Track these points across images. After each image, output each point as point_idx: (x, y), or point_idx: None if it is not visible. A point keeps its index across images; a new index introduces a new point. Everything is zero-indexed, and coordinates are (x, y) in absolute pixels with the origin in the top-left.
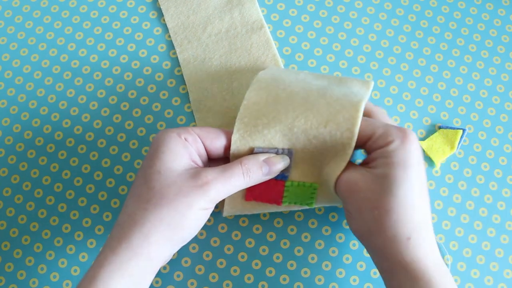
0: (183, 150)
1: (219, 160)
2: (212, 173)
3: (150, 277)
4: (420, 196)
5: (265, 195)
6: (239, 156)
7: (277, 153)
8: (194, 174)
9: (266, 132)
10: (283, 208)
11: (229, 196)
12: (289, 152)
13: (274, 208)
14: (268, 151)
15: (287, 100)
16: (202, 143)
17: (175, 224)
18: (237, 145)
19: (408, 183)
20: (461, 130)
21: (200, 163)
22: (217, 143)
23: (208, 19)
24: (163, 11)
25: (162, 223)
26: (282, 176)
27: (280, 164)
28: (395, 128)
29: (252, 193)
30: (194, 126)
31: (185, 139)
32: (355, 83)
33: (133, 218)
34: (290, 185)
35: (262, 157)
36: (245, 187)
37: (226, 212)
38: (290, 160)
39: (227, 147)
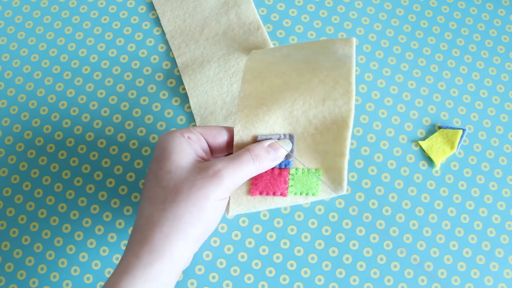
0: (188, 147)
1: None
2: (221, 162)
3: (173, 281)
4: None
5: (270, 187)
6: (243, 146)
7: (279, 139)
8: (204, 166)
9: (267, 118)
10: (289, 200)
11: (233, 194)
12: (290, 137)
13: (280, 202)
14: (271, 138)
15: (282, 86)
16: (205, 140)
17: (194, 219)
18: (240, 135)
19: None
20: (461, 130)
21: (206, 158)
22: (220, 139)
23: (205, 21)
24: (159, 16)
25: (181, 220)
26: (286, 163)
27: (283, 149)
28: None
29: (257, 186)
30: (195, 126)
31: (188, 137)
32: (337, 45)
33: (151, 221)
34: (295, 173)
35: (266, 143)
36: (256, 174)
37: (232, 211)
38: (293, 144)
39: (230, 142)
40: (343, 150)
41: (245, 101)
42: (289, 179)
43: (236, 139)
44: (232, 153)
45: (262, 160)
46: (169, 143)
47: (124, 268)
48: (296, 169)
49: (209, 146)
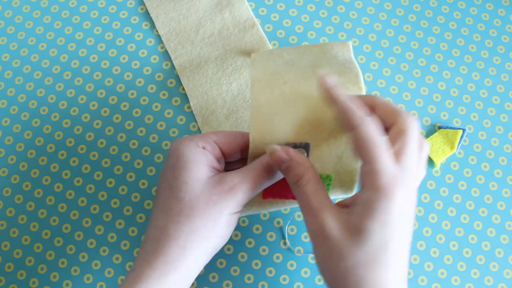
0: (203, 159)
1: (236, 161)
2: (237, 176)
3: None
4: (395, 255)
5: (282, 191)
6: (258, 155)
7: (294, 147)
8: (220, 180)
9: (283, 126)
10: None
11: None
12: (305, 145)
13: (290, 204)
14: (286, 147)
15: (293, 94)
16: (220, 148)
17: (209, 233)
18: (255, 143)
19: (382, 240)
20: (461, 130)
21: (220, 169)
22: (234, 147)
23: (200, 22)
24: (153, 19)
25: (197, 234)
26: None
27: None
28: (387, 171)
29: (269, 191)
30: (208, 132)
31: (203, 147)
32: (335, 49)
33: (166, 232)
34: None
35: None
36: (269, 185)
37: (244, 212)
38: (307, 154)
39: (244, 149)
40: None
41: (258, 110)
42: None
43: (251, 148)
44: (245, 158)
45: (276, 172)
46: (184, 153)
47: (138, 276)
48: None
49: (223, 153)
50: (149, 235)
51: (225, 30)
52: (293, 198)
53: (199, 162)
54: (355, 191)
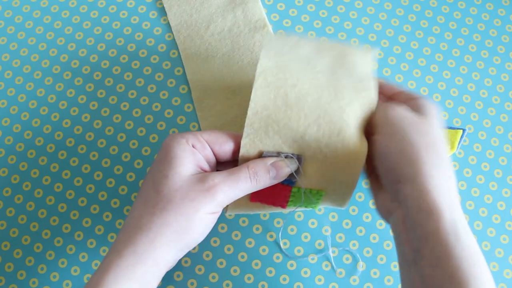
0: (191, 156)
1: (228, 163)
2: (219, 177)
3: (155, 282)
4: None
5: (270, 198)
6: (248, 159)
7: (286, 157)
8: (201, 178)
9: (276, 137)
10: (287, 210)
11: None
12: (298, 158)
13: (278, 210)
14: (277, 155)
15: (298, 103)
16: (211, 148)
17: (181, 229)
18: (246, 148)
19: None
20: (461, 130)
21: (208, 169)
22: (226, 148)
23: (211, 17)
24: (166, 10)
25: (169, 227)
26: (289, 181)
27: (287, 168)
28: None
29: (257, 195)
30: (202, 130)
31: (193, 145)
32: (355, 57)
33: (139, 222)
34: (296, 191)
35: (270, 161)
36: (253, 191)
37: (230, 210)
38: (299, 165)
39: (236, 151)
40: (353, 183)
41: (256, 115)
42: (290, 195)
43: (242, 152)
44: (237, 160)
45: (260, 179)
46: (173, 149)
47: (107, 266)
48: (299, 188)
49: (214, 153)
50: (125, 224)
51: (235, 28)
52: (281, 206)
53: (185, 159)
54: (345, 208)
